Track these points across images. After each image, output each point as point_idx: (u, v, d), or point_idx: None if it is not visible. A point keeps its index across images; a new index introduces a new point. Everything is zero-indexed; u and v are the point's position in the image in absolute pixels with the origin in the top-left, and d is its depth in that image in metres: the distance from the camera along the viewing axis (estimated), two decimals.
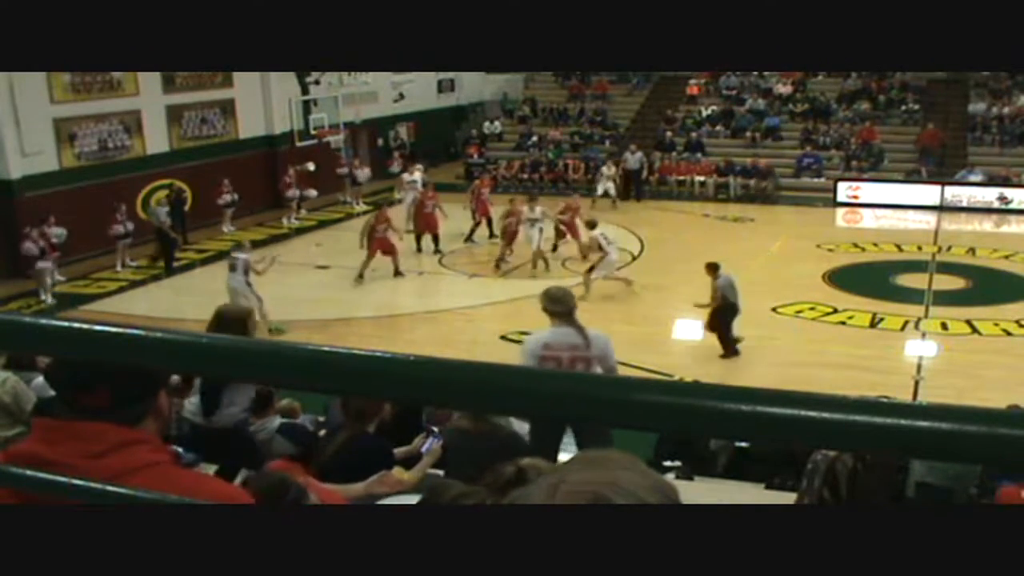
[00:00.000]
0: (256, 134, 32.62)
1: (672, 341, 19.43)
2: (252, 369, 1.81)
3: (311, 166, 31.47)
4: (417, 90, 40.71)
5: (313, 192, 31.23)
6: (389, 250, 23.24)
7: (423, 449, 7.24)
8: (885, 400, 1.64)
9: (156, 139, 29.43)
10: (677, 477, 9.78)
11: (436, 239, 26.32)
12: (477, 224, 27.63)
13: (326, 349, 1.64)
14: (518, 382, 1.60)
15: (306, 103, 34.09)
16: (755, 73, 40.56)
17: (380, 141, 39.09)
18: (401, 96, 40.10)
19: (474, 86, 44.63)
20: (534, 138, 39.04)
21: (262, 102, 32.71)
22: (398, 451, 6.99)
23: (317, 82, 34.52)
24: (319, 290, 22.65)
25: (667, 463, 10.52)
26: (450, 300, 21.92)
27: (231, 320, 7.87)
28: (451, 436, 7.14)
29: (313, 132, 33.96)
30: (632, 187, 34.22)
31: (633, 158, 34.66)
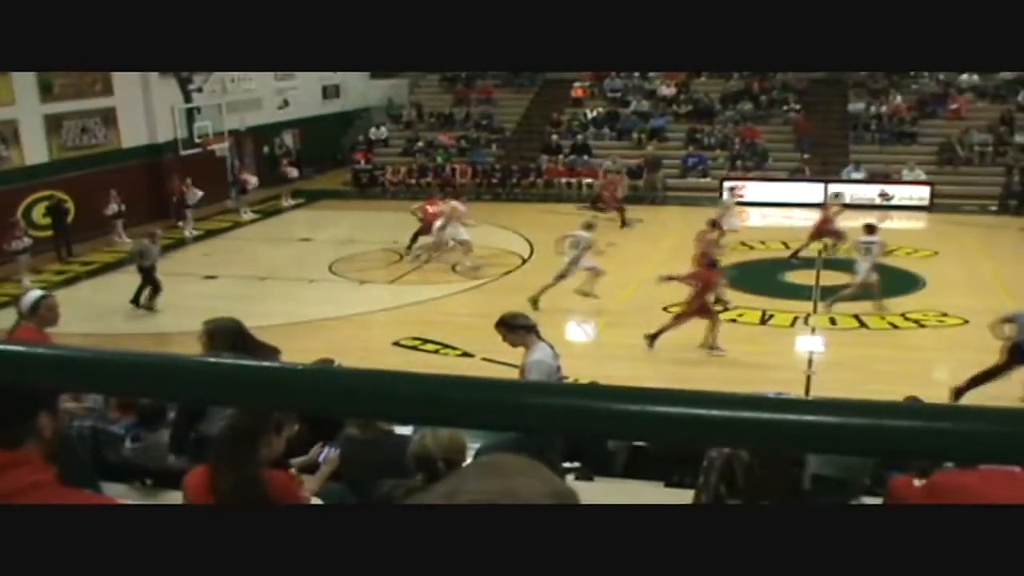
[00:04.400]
0: (139, 143, 31.96)
1: (567, 342, 19.44)
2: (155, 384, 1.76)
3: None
4: (302, 96, 40.38)
5: (199, 193, 30.52)
6: None
7: (320, 458, 7.22)
8: (774, 396, 1.65)
9: (35, 149, 28.74)
10: (577, 478, 9.75)
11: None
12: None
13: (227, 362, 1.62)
14: (413, 389, 1.56)
15: (189, 111, 33.50)
16: (639, 75, 40.95)
17: (266, 148, 38.61)
18: (286, 103, 39.72)
19: (359, 91, 44.34)
20: (420, 143, 38.93)
21: (144, 110, 32.06)
22: (296, 461, 6.93)
23: (200, 89, 33.95)
24: (208, 300, 22.27)
25: (566, 464, 10.49)
26: (341, 307, 21.68)
27: (221, 333, 7.80)
28: (344, 444, 7.15)
29: (198, 140, 33.35)
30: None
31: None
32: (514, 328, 9.54)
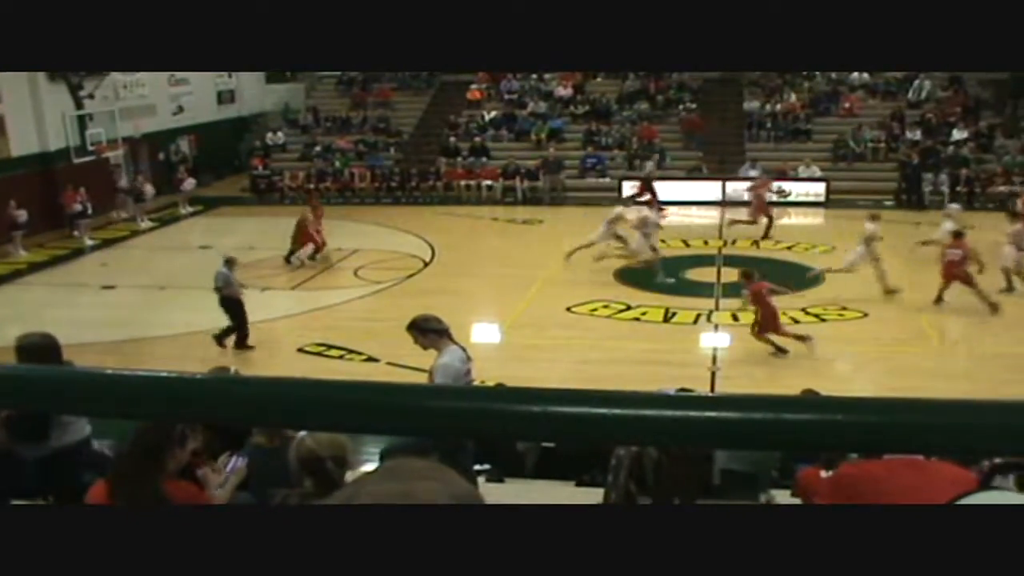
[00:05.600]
0: (30, 151, 31.09)
1: (471, 346, 19.37)
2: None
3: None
4: (197, 101, 39.86)
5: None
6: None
7: (228, 468, 7.10)
8: (677, 393, 1.68)
9: None
10: (488, 480, 9.71)
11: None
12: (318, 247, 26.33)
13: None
14: (315, 395, 1.58)
15: (81, 118, 32.74)
16: (535, 76, 41.07)
17: (161, 155, 37.96)
18: (180, 108, 39.15)
19: (255, 96, 43.92)
20: (318, 148, 38.61)
21: (33, 117, 31.22)
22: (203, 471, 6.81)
23: (91, 96, 33.22)
24: (106, 311, 21.85)
25: (477, 467, 10.44)
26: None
27: (33, 350, 7.62)
28: (251, 453, 7.06)
29: (91, 148, 32.61)
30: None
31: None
32: (425, 331, 9.58)
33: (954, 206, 23.54)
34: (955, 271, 19.92)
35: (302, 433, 5.84)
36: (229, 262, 18.90)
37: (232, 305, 18.64)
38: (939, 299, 20.32)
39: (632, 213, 24.32)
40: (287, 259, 25.32)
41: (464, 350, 9.69)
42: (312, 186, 35.42)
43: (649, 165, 34.84)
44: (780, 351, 17.65)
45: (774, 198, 25.42)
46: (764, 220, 27.65)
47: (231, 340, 18.66)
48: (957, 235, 20.62)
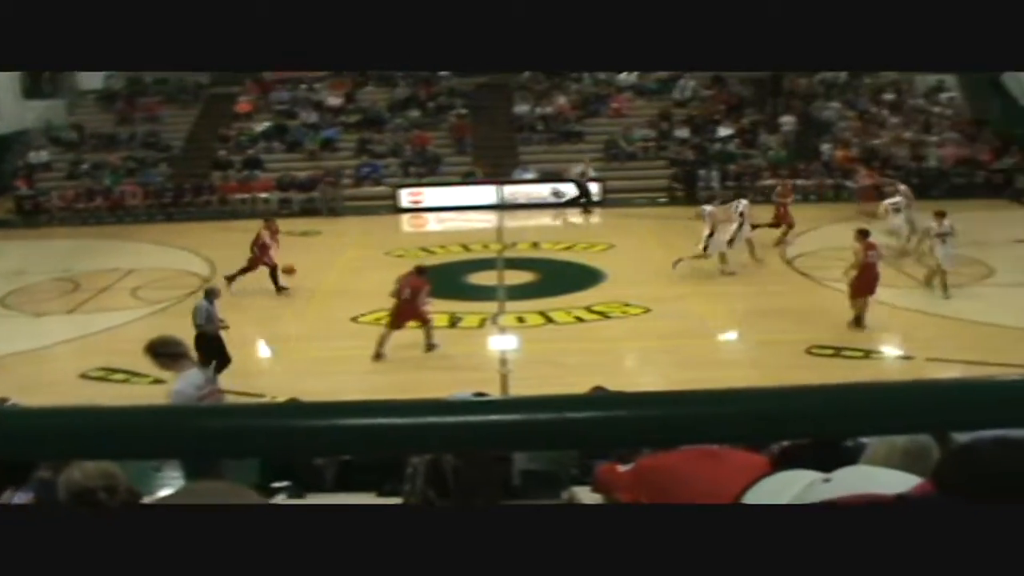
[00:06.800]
0: None
1: (257, 361, 19.14)
2: None
3: None
4: None
5: None
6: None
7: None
8: (469, 398, 1.72)
9: None
10: (289, 496, 9.61)
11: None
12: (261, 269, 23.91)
13: None
14: (90, 423, 1.51)
15: None
16: (304, 86, 40.73)
17: None
18: None
19: (13, 114, 42.15)
20: (86, 165, 37.32)
21: None
22: None
23: None
24: None
25: (276, 484, 10.32)
26: (17, 343, 20.36)
27: None
28: (37, 487, 6.84)
29: None
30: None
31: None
32: (160, 355, 9.28)
33: (708, 207, 24.20)
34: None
35: (68, 467, 5.63)
36: (210, 294, 17.39)
37: (210, 342, 16.68)
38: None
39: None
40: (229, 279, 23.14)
41: (203, 371, 9.46)
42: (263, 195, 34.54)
43: (579, 167, 34.94)
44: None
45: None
46: (785, 226, 27.08)
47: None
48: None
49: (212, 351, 16.28)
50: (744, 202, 24.80)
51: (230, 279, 22.87)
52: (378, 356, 17.82)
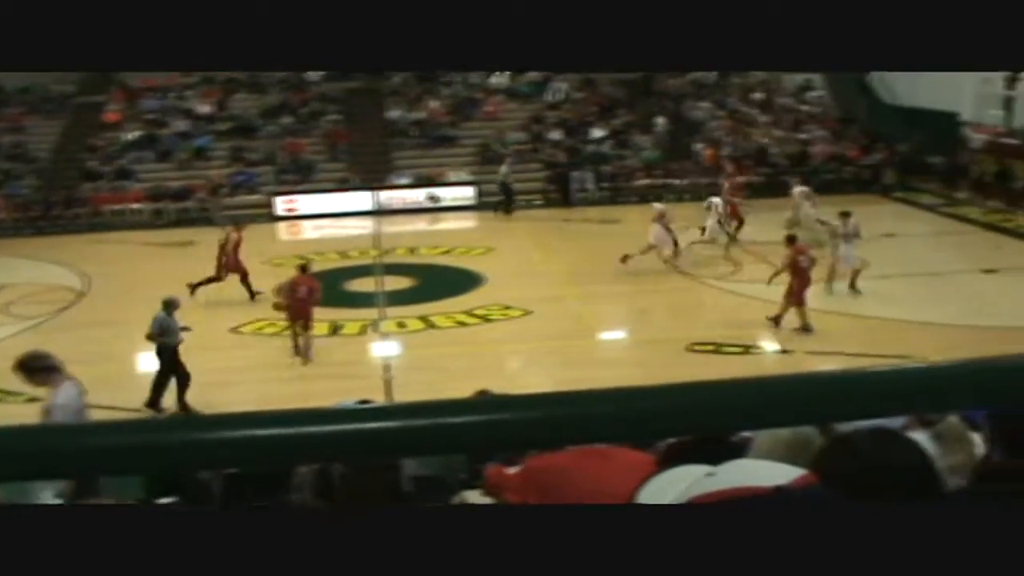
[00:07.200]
0: None
1: (138, 377, 18.78)
2: None
3: None
4: None
5: None
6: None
7: None
8: (353, 406, 1.71)
9: None
10: None
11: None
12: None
13: None
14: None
15: None
16: (174, 93, 40.12)
17: None
18: None
19: None
20: None
21: None
22: None
23: None
24: None
25: (162, 500, 10.18)
26: None
27: None
28: None
29: None
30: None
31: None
32: (34, 371, 9.09)
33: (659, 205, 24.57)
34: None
35: None
36: (168, 305, 16.45)
37: (167, 356, 16.19)
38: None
39: None
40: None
41: (78, 385, 9.31)
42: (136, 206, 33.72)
43: (503, 169, 34.79)
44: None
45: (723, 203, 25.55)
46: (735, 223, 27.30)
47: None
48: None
49: (168, 366, 16.21)
50: (716, 199, 25.72)
51: (193, 287, 22.31)
52: (297, 354, 18.07)
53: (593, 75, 39.97)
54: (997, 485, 3.48)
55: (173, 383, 16.28)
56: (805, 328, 18.85)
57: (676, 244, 23.91)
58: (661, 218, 23.55)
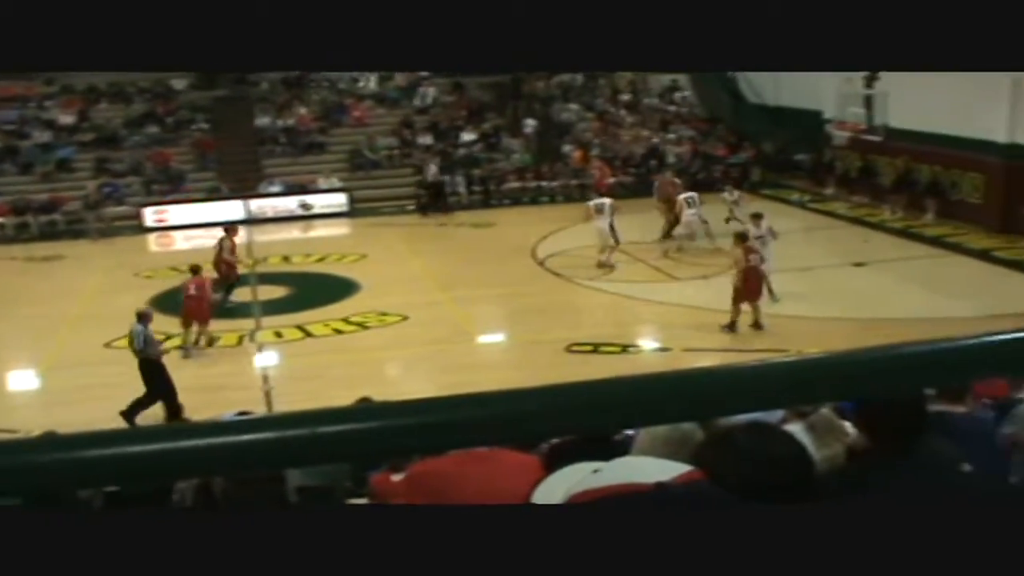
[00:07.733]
0: None
1: (7, 395, 18.38)
2: None
3: None
4: None
5: None
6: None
7: None
8: (234, 418, 1.72)
9: None
10: None
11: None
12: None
13: None
14: None
15: None
16: (33, 103, 39.04)
17: None
18: None
19: None
20: None
21: None
22: None
23: None
24: None
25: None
26: None
27: None
28: None
29: None
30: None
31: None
32: None
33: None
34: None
35: None
36: (143, 317, 16.16)
37: (152, 369, 15.86)
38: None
39: None
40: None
41: None
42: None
43: (432, 169, 34.40)
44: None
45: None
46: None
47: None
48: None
49: (158, 380, 15.90)
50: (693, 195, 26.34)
51: (226, 293, 22.33)
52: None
53: (463, 79, 40.06)
54: (864, 467, 3.65)
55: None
56: (732, 327, 19.11)
57: (616, 243, 24.33)
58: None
